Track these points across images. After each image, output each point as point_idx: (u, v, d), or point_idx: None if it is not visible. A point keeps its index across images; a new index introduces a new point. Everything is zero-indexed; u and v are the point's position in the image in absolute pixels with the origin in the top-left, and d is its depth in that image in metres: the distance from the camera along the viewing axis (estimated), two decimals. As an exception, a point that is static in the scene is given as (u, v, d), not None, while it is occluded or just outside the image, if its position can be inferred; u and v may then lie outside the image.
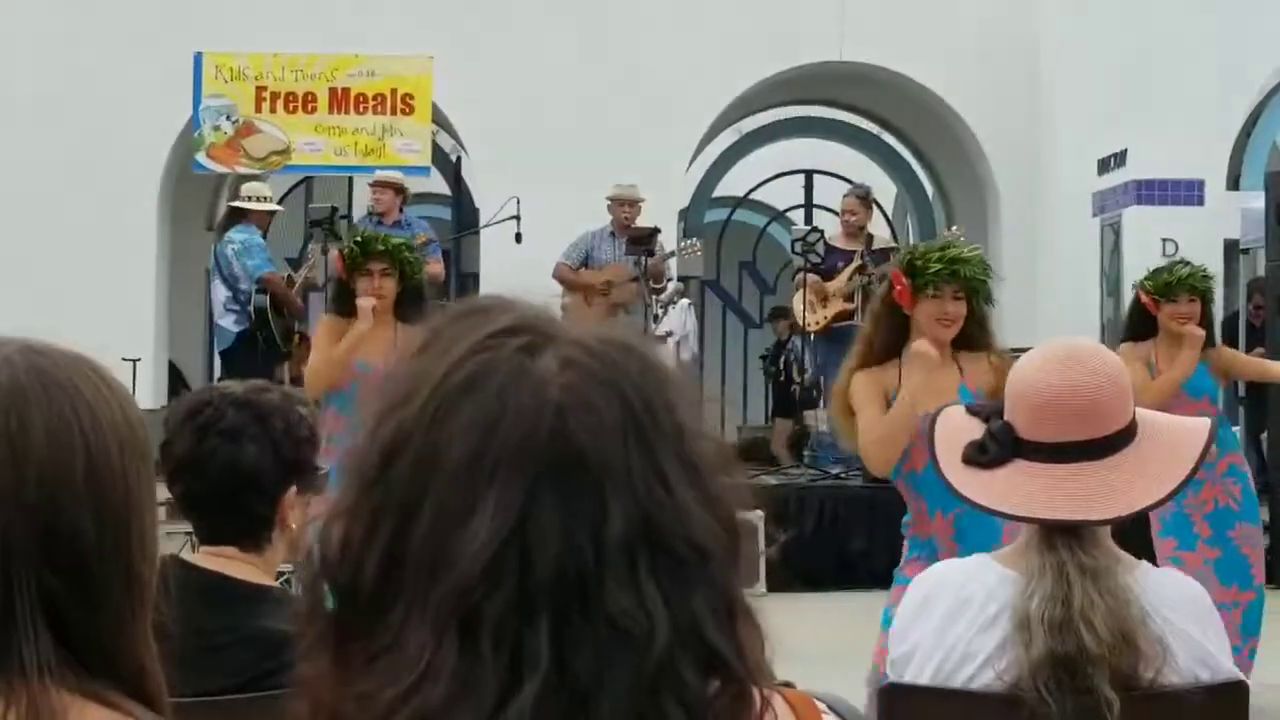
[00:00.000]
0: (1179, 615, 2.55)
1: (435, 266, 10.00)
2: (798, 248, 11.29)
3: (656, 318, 11.46)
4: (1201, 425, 2.70)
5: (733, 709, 1.12)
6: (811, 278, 11.09)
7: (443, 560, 1.09)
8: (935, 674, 2.59)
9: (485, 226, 12.59)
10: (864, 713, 2.63)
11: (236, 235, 10.75)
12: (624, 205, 11.35)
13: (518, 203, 11.52)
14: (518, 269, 10.55)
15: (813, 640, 5.89)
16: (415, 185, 11.85)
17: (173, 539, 3.35)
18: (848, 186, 12.50)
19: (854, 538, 10.16)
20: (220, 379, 10.51)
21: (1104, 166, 12.90)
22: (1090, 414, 2.59)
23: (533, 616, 1.08)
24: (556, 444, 1.10)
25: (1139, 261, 11.49)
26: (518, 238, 11.51)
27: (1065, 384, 2.60)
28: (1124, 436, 2.61)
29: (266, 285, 10.63)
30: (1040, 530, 2.57)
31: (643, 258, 11.03)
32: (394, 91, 12.50)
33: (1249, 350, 10.01)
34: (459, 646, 1.08)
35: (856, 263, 11.15)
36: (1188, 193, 12.28)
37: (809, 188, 16.72)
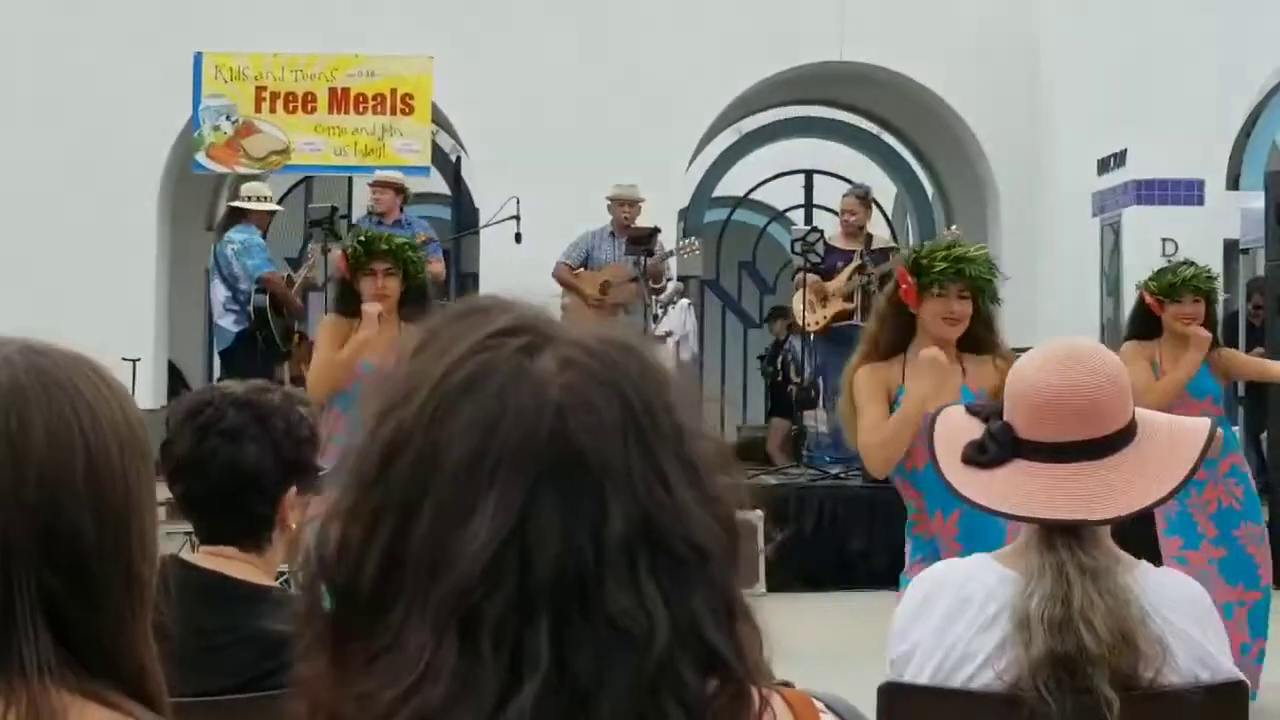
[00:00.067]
0: (1179, 615, 2.54)
1: (436, 266, 10.00)
2: (797, 248, 11.29)
3: (656, 317, 11.46)
4: (1201, 425, 2.70)
5: (731, 709, 1.12)
6: (811, 278, 11.09)
7: (443, 560, 1.09)
8: (935, 673, 2.59)
9: (485, 226, 12.59)
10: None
11: (236, 235, 10.75)
12: (624, 205, 11.35)
13: (517, 203, 11.52)
14: (517, 269, 10.55)
15: (812, 640, 5.91)
16: (415, 185, 11.84)
17: (173, 539, 3.36)
18: (847, 186, 12.50)
19: (854, 538, 10.16)
20: (220, 379, 10.51)
21: (1104, 166, 12.90)
22: (1090, 414, 2.59)
23: (533, 616, 1.08)
24: (556, 444, 1.10)
25: (1139, 261, 11.50)
26: (517, 238, 11.50)
27: (1065, 383, 2.60)
28: (1124, 436, 2.61)
29: (266, 285, 10.63)
30: (1040, 530, 2.57)
31: (642, 257, 11.02)
32: (394, 91, 12.50)
33: (1249, 350, 10.01)
34: (459, 646, 1.08)
35: (856, 263, 11.15)
36: (1187, 193, 12.28)
37: (809, 188, 16.72)
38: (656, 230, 11.27)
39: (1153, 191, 12.33)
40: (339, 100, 12.50)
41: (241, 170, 12.44)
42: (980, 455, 2.64)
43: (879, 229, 13.23)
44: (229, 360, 10.81)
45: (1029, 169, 13.85)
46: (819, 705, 1.29)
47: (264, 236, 10.97)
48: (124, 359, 9.48)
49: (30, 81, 12.94)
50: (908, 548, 4.83)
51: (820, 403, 13.23)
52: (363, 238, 6.75)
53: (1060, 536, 2.54)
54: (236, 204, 11.11)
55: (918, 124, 15.29)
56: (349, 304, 6.64)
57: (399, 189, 10.93)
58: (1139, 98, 12.26)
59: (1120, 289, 12.30)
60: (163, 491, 1.84)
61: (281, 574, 2.88)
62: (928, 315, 4.80)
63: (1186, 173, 12.26)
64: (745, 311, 17.40)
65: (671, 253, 11.71)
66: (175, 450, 2.74)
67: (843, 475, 10.88)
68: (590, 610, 1.08)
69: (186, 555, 2.83)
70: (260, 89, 12.44)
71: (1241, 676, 2.64)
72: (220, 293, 10.79)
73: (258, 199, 11.01)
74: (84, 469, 1.31)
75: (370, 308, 6.47)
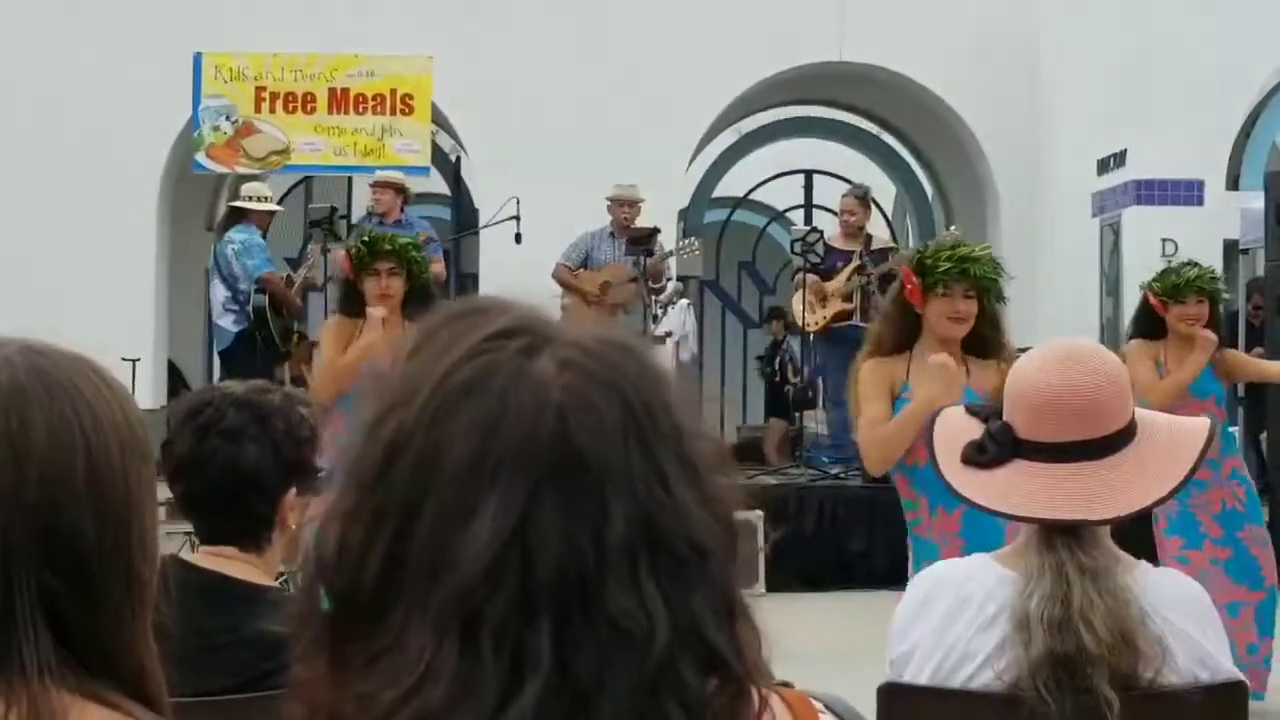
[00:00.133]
0: (1178, 615, 2.54)
1: (437, 266, 9.99)
2: (797, 248, 11.29)
3: (656, 318, 11.45)
4: (1201, 425, 2.70)
5: (731, 708, 1.12)
6: (810, 278, 11.08)
7: (444, 561, 1.09)
8: (934, 674, 2.59)
9: (485, 227, 12.58)
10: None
11: (236, 235, 10.75)
12: (624, 205, 11.34)
13: (517, 203, 11.52)
14: (517, 269, 10.55)
15: (812, 640, 5.91)
16: (415, 185, 11.83)
17: (172, 539, 3.35)
18: (847, 187, 12.50)
19: (853, 538, 10.16)
20: (220, 379, 10.50)
21: (1103, 166, 12.89)
22: (1090, 413, 2.59)
23: (534, 618, 1.08)
24: (557, 445, 1.10)
25: (1138, 262, 11.50)
26: (517, 238, 11.50)
27: (1065, 383, 2.60)
28: (1123, 436, 2.61)
29: (265, 285, 10.62)
30: (1040, 530, 2.57)
31: (642, 258, 11.02)
32: (393, 92, 12.50)
33: (1248, 350, 10.01)
34: (459, 648, 1.08)
35: (855, 263, 11.15)
36: (1187, 193, 12.28)
37: (809, 188, 16.71)
38: (656, 230, 11.27)
39: (1152, 192, 12.32)
40: (339, 100, 12.50)
41: (241, 170, 12.44)
42: (980, 455, 2.64)
43: (878, 229, 13.22)
44: (228, 360, 10.81)
45: (1029, 169, 13.85)
46: (818, 705, 1.29)
47: (264, 237, 10.97)
48: (124, 359, 9.48)
49: (30, 81, 12.94)
50: (910, 552, 4.82)
51: (819, 403, 13.23)
52: (366, 238, 6.75)
53: (1060, 536, 2.54)
54: (237, 204, 11.11)
55: (917, 124, 15.28)
56: (353, 304, 6.64)
57: (399, 189, 10.92)
58: (1139, 98, 12.26)
59: (1120, 289, 12.29)
60: (163, 491, 1.84)
61: (281, 574, 2.87)
62: (933, 315, 4.80)
63: (1186, 173, 12.26)
64: (745, 312, 17.40)
65: (671, 253, 11.70)
66: (175, 450, 2.74)
67: (843, 475, 10.88)
68: (591, 611, 1.08)
69: (186, 555, 2.83)
70: (260, 89, 12.44)
71: (1241, 676, 2.63)
72: (220, 293, 10.78)
73: (258, 199, 11.00)
74: (85, 469, 1.31)
75: (375, 311, 6.46)
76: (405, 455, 1.12)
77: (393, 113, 12.49)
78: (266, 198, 11.12)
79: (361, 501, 1.13)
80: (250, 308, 10.60)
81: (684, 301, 12.65)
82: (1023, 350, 3.12)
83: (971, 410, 2.77)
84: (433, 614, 1.08)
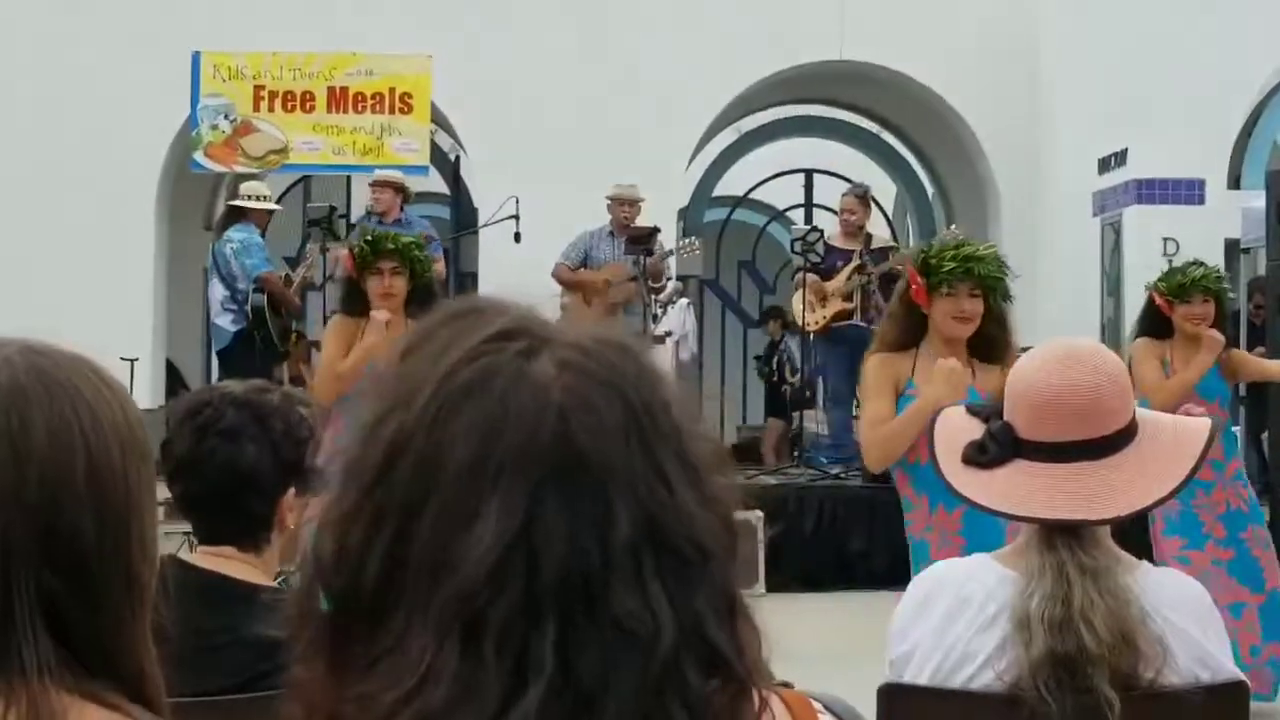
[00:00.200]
0: (1179, 615, 2.54)
1: (437, 265, 9.98)
2: (797, 247, 11.28)
3: (656, 317, 11.44)
4: (1202, 425, 2.70)
5: (732, 708, 1.12)
6: (811, 277, 11.08)
7: (446, 563, 1.09)
8: (935, 674, 2.59)
9: (484, 226, 12.58)
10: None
11: (235, 234, 10.74)
12: (624, 205, 11.33)
13: (516, 202, 11.51)
14: (517, 269, 10.55)
15: (812, 640, 5.90)
16: (413, 184, 11.82)
17: (170, 539, 3.34)
18: (847, 186, 12.50)
19: (853, 538, 10.15)
20: (218, 379, 10.49)
21: (1104, 166, 12.89)
22: (1090, 413, 2.58)
23: (539, 620, 1.08)
24: (559, 446, 1.10)
25: (1139, 261, 11.51)
26: (516, 237, 11.50)
27: (1065, 383, 2.59)
28: (1124, 436, 2.60)
29: (264, 284, 10.61)
30: (1040, 530, 2.57)
31: (642, 257, 11.01)
32: (392, 90, 12.48)
33: (1250, 350, 10.01)
34: (461, 649, 1.07)
35: (855, 262, 11.14)
36: (1188, 192, 12.27)
37: (809, 187, 16.70)
38: (656, 230, 11.26)
39: (1153, 191, 12.32)
40: (337, 99, 12.48)
41: (240, 169, 12.42)
42: (981, 455, 2.64)
43: (878, 228, 13.22)
44: (226, 360, 10.80)
45: (1029, 168, 13.85)
46: (818, 706, 1.29)
47: (263, 236, 10.96)
48: (122, 358, 9.47)
49: (29, 80, 12.93)
50: (912, 555, 4.82)
51: (819, 403, 13.22)
52: (369, 237, 6.75)
53: (1060, 536, 2.54)
54: (235, 203, 11.10)
55: (918, 123, 15.28)
56: (355, 304, 6.64)
57: (399, 188, 10.92)
58: (1139, 97, 12.25)
59: (1121, 289, 12.29)
60: (162, 491, 1.84)
61: (280, 574, 2.87)
62: (938, 314, 4.81)
63: (1187, 172, 12.25)
64: (745, 311, 17.39)
65: (671, 252, 11.69)
66: (174, 450, 2.74)
67: (843, 475, 10.88)
68: (596, 612, 1.08)
69: (185, 555, 2.83)
70: (258, 88, 12.42)
71: (1242, 676, 2.63)
72: (218, 291, 10.78)
73: (257, 198, 11.00)
74: (85, 469, 1.31)
75: (379, 314, 6.46)
76: (406, 457, 1.11)
77: (391, 112, 12.47)
78: (265, 197, 11.11)
79: (361, 503, 1.12)
80: (249, 307, 10.59)
81: (684, 301, 12.65)
82: (1024, 350, 3.11)
83: (972, 410, 2.77)
84: (434, 616, 1.08)
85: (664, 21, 13.45)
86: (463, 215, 14.63)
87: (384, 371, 1.17)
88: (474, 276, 13.74)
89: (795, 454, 12.04)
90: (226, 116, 12.38)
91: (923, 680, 2.60)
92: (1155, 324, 6.63)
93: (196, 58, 12.33)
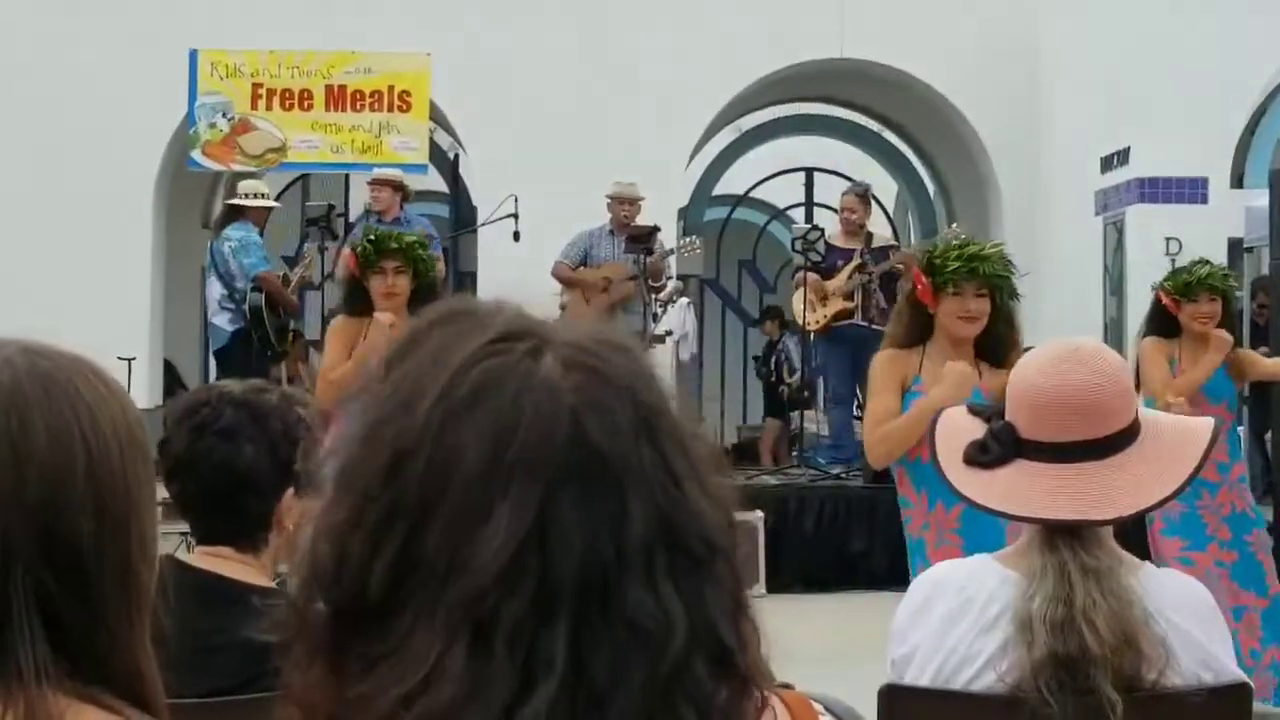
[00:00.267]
0: (1182, 617, 2.53)
1: (437, 264, 9.98)
2: (798, 246, 11.27)
3: (656, 316, 11.43)
4: (1205, 425, 2.69)
5: (738, 706, 1.13)
6: (811, 276, 11.06)
7: (457, 565, 1.08)
8: (936, 676, 2.58)
9: (483, 225, 12.56)
10: None
11: (234, 233, 10.74)
12: (623, 203, 11.32)
13: (516, 201, 11.50)
14: (516, 267, 10.54)
15: (813, 641, 5.89)
16: (412, 183, 11.81)
17: (168, 539, 3.33)
18: (848, 184, 12.48)
19: (854, 538, 10.14)
20: (216, 379, 10.47)
21: (1107, 164, 12.87)
22: (1092, 413, 2.57)
23: (552, 619, 1.08)
24: (574, 447, 1.10)
25: (1142, 260, 11.50)
26: (516, 236, 11.49)
27: (1067, 383, 2.59)
28: (1126, 436, 2.60)
29: (262, 284, 10.60)
30: (1042, 531, 2.56)
31: (641, 256, 11.00)
32: (391, 88, 12.45)
33: (1253, 349, 10.00)
34: (470, 649, 1.07)
35: (856, 261, 11.13)
36: (1191, 191, 12.25)
37: (809, 185, 16.69)
38: (656, 229, 11.24)
39: (1156, 190, 12.30)
40: (336, 97, 12.45)
41: (237, 168, 12.39)
42: (982, 455, 2.63)
43: (880, 227, 13.21)
44: (223, 359, 10.78)
45: (1031, 167, 13.83)
46: (818, 708, 1.29)
47: (261, 233, 10.95)
48: (119, 358, 9.44)
49: (26, 80, 12.91)
50: (910, 556, 4.81)
51: (819, 403, 13.22)
52: (373, 236, 6.74)
53: (1062, 537, 2.53)
54: (233, 202, 11.09)
55: (919, 121, 15.26)
56: (358, 303, 6.63)
57: (398, 187, 10.91)
58: (1141, 95, 12.24)
59: (1124, 288, 12.28)
60: (161, 491, 1.83)
61: (278, 577, 2.86)
62: (944, 315, 4.82)
63: (1190, 171, 12.24)
64: (745, 310, 17.39)
65: (671, 251, 11.68)
66: (171, 449, 2.73)
67: (844, 476, 10.87)
68: (610, 611, 1.08)
69: (182, 555, 2.82)
70: (256, 86, 12.38)
71: (1245, 678, 2.62)
72: (215, 290, 10.76)
73: (254, 195, 10.99)
74: (84, 471, 1.31)
75: (383, 317, 6.45)
76: (414, 461, 1.11)
77: (390, 110, 12.43)
78: (263, 194, 11.10)
79: (363, 509, 1.11)
80: (246, 306, 10.58)
81: (684, 300, 12.64)
82: (1026, 350, 3.10)
83: (974, 410, 2.76)
84: (443, 616, 1.08)
85: (664, 19, 13.43)
86: (461, 214, 14.62)
87: (374, 376, 1.16)
88: (473, 275, 13.72)
89: (794, 454, 12.02)
90: (224, 115, 12.35)
91: (924, 682, 2.59)
92: (1163, 323, 6.62)
93: (193, 55, 12.29)
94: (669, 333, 11.94)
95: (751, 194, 16.60)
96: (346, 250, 7.36)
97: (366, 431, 1.14)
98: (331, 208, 11.37)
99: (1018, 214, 13.84)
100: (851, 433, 11.37)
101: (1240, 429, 8.55)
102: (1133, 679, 2.46)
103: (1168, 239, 11.65)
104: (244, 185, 11.20)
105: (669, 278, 11.78)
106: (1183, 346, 6.56)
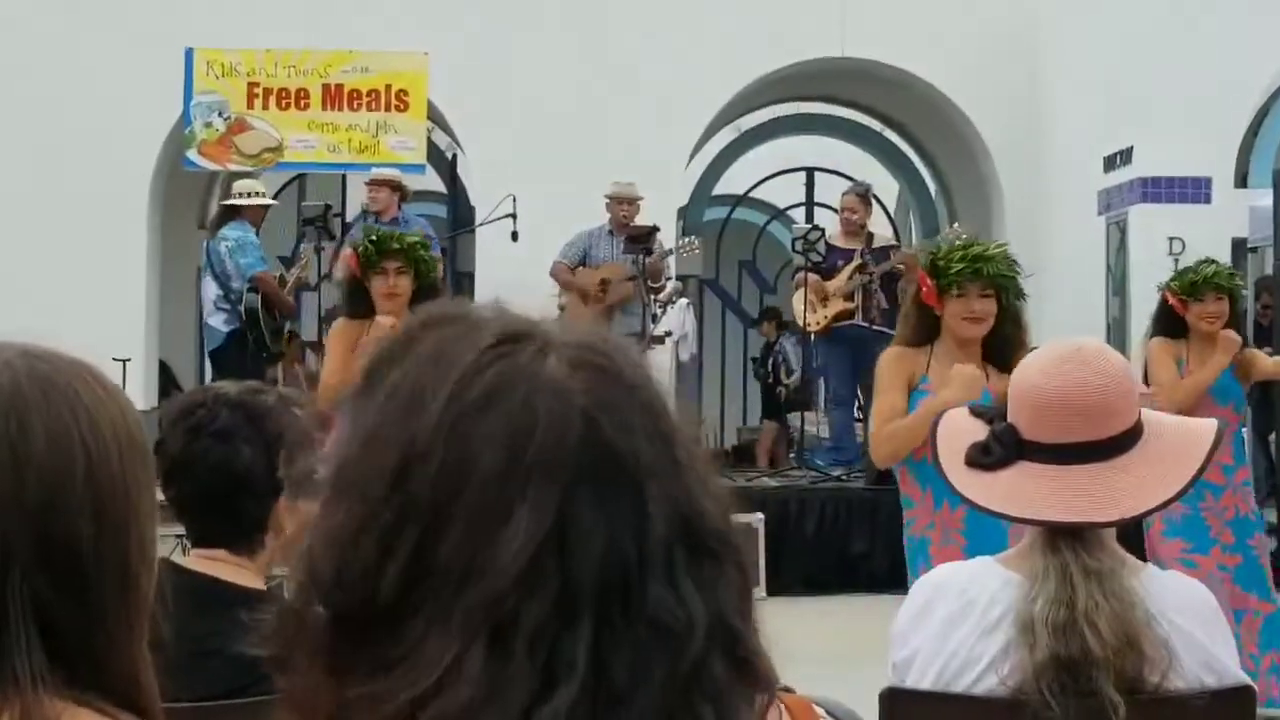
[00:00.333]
0: (1185, 619, 2.53)
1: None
2: (798, 246, 11.25)
3: (655, 317, 11.41)
4: (1208, 426, 2.68)
5: (751, 703, 1.13)
6: (812, 277, 11.05)
7: (475, 568, 1.08)
8: (937, 679, 2.57)
9: (481, 225, 12.55)
10: None
11: (230, 232, 10.72)
12: (623, 203, 11.31)
13: (514, 201, 11.49)
14: (514, 267, 10.53)
15: (814, 643, 5.88)
16: (410, 183, 11.80)
17: (164, 542, 3.32)
18: (849, 184, 12.47)
19: (855, 541, 10.14)
20: (211, 380, 10.45)
21: (1109, 164, 12.85)
22: (1095, 414, 2.56)
23: (574, 620, 1.07)
24: (588, 447, 1.10)
25: (1145, 260, 11.48)
26: (514, 236, 11.48)
27: (1068, 383, 2.58)
28: (1129, 437, 2.58)
29: (258, 284, 10.58)
30: (1044, 532, 2.55)
31: (641, 256, 10.99)
32: (388, 88, 12.42)
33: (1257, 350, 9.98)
34: (488, 652, 1.07)
35: (857, 261, 11.11)
36: (1195, 190, 12.24)
37: (810, 185, 16.67)
38: (655, 229, 11.23)
39: (1159, 189, 12.28)
40: (333, 97, 12.41)
41: (233, 168, 12.37)
42: (984, 457, 2.62)
43: (880, 227, 13.20)
44: (219, 360, 10.74)
45: (1033, 166, 13.82)
46: (819, 711, 1.29)
47: (258, 233, 10.93)
48: (114, 359, 9.42)
49: (23, 79, 12.90)
50: (909, 554, 4.80)
51: (819, 404, 13.20)
52: (374, 236, 6.73)
53: (1064, 539, 2.53)
54: (229, 201, 11.08)
55: (920, 120, 15.26)
56: (360, 305, 6.62)
57: (396, 186, 10.90)
58: (1144, 95, 12.23)
59: (1126, 288, 12.26)
60: (160, 494, 1.82)
61: (275, 579, 2.84)
62: (950, 316, 4.82)
63: (1193, 170, 12.22)
64: (745, 311, 17.37)
65: (671, 251, 11.67)
66: (167, 451, 2.72)
67: (845, 478, 10.85)
68: (631, 611, 1.08)
69: (177, 558, 2.80)
70: (252, 85, 12.35)
71: (1248, 681, 2.61)
72: (211, 290, 10.75)
73: (250, 194, 10.97)
74: (84, 474, 1.31)
75: (384, 319, 6.44)
76: (424, 465, 1.10)
77: (388, 109, 12.40)
78: (260, 193, 11.08)
79: (367, 513, 1.10)
80: (243, 307, 10.56)
81: (683, 301, 12.62)
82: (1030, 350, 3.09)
83: (976, 411, 2.75)
84: (458, 620, 1.07)
85: (664, 19, 13.43)
86: (460, 214, 14.60)
87: (369, 380, 1.15)
88: (471, 276, 13.70)
89: (791, 455, 12.01)
90: (220, 114, 12.31)
91: (925, 685, 2.58)
92: (1169, 324, 6.62)
93: (189, 54, 12.25)
94: (668, 333, 11.93)
95: (751, 194, 16.59)
96: (347, 250, 7.35)
97: (366, 434, 1.13)
98: (328, 208, 11.36)
99: (1019, 214, 13.82)
100: (852, 434, 11.36)
101: (1244, 431, 8.53)
102: (1135, 681, 2.46)
103: (1171, 239, 11.63)
104: (239, 184, 11.18)
105: (668, 278, 11.76)
106: (1190, 347, 6.56)
